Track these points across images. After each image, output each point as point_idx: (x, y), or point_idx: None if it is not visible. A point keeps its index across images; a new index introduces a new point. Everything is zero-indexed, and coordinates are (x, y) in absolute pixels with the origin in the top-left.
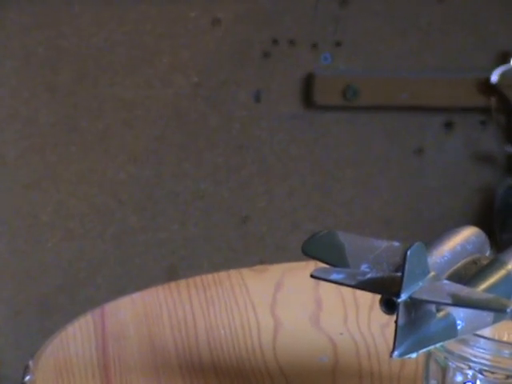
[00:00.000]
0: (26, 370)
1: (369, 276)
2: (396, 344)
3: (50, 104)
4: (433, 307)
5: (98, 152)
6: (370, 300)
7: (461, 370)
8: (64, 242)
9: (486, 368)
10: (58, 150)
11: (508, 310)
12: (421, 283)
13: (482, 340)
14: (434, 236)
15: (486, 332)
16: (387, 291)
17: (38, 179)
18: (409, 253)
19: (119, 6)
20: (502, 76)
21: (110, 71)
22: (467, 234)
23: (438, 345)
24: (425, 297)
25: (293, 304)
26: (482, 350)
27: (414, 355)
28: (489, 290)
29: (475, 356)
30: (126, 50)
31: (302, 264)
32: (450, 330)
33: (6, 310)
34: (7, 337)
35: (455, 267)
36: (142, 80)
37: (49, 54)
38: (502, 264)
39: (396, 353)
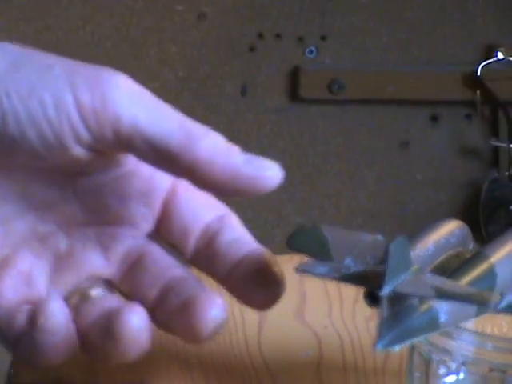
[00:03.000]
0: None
1: (353, 270)
2: (379, 336)
3: None
4: (416, 300)
5: None
6: (354, 293)
7: (444, 362)
8: None
9: (470, 360)
10: None
11: (490, 304)
12: (403, 276)
13: (466, 332)
14: (420, 229)
15: (470, 325)
16: (371, 285)
17: None
18: (391, 246)
19: (106, 0)
20: (488, 70)
21: (96, 65)
22: (451, 228)
23: (421, 337)
24: (407, 290)
25: None
26: (465, 343)
27: (397, 348)
28: (471, 283)
29: (458, 348)
30: (113, 43)
31: (286, 257)
32: (432, 323)
33: None
34: None
35: (438, 260)
36: (128, 74)
37: (35, 47)
38: (485, 257)
39: (379, 345)
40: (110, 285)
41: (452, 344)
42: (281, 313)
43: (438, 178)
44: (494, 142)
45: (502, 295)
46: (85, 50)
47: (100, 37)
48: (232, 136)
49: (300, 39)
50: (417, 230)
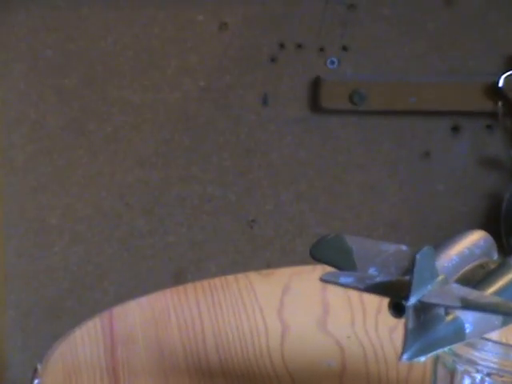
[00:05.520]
0: (34, 373)
1: (377, 280)
2: (405, 347)
3: (58, 107)
4: (441, 311)
5: (106, 155)
6: (377, 303)
7: (468, 373)
8: (72, 246)
9: (494, 371)
10: (66, 154)
11: None
12: (429, 287)
13: (490, 343)
14: (441, 240)
15: (494, 335)
16: (396, 295)
17: (45, 182)
18: (418, 256)
19: (127, 10)
20: (509, 80)
21: (117, 75)
22: (475, 238)
23: (446, 348)
24: (434, 300)
25: (300, 308)
26: (489, 354)
27: (422, 359)
28: (497, 293)
29: (483, 359)
30: (134, 53)
31: (309, 268)
32: (458, 334)
33: (14, 313)
34: (16, 340)
35: (463, 271)
36: (149, 83)
37: (57, 57)
38: (510, 268)
39: (405, 356)
40: None
41: (476, 355)
42: (304, 323)
43: (459, 189)
44: None
45: None
46: (106, 59)
47: (121, 47)
48: (253, 146)
49: (321, 50)
50: (438, 240)
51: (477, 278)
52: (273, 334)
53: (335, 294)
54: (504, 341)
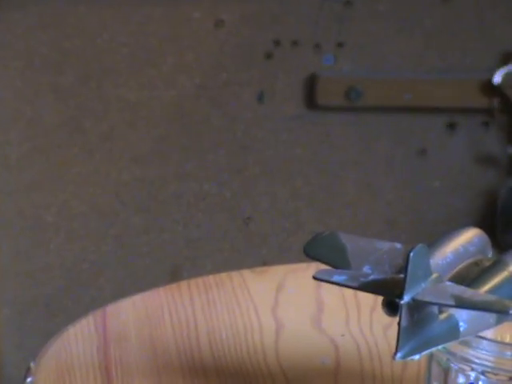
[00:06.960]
0: (27, 371)
1: (371, 278)
2: (399, 346)
3: (53, 105)
4: (435, 309)
5: (102, 153)
6: (371, 301)
7: (463, 371)
8: (67, 243)
9: (489, 369)
10: (62, 151)
11: (510, 312)
12: (423, 285)
13: (485, 341)
14: (437, 237)
15: (489, 333)
16: (390, 293)
17: (41, 180)
18: (411, 254)
19: (123, 8)
20: (505, 77)
21: (113, 72)
22: (469, 236)
23: (440, 346)
24: (428, 298)
25: (294, 305)
26: (484, 352)
27: (416, 357)
28: (491, 291)
29: (477, 357)
30: (130, 51)
31: (304, 265)
32: (452, 332)
33: (9, 310)
34: (11, 338)
35: (457, 269)
36: (145, 81)
37: (53, 54)
38: (505, 265)
39: (399, 354)
40: None
41: (471, 353)
42: (298, 321)
43: (455, 186)
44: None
45: None
46: (102, 57)
47: (117, 44)
48: (249, 144)
49: (317, 46)
50: (434, 237)
51: (471, 275)
52: (267, 331)
53: (330, 291)
54: (498, 339)
